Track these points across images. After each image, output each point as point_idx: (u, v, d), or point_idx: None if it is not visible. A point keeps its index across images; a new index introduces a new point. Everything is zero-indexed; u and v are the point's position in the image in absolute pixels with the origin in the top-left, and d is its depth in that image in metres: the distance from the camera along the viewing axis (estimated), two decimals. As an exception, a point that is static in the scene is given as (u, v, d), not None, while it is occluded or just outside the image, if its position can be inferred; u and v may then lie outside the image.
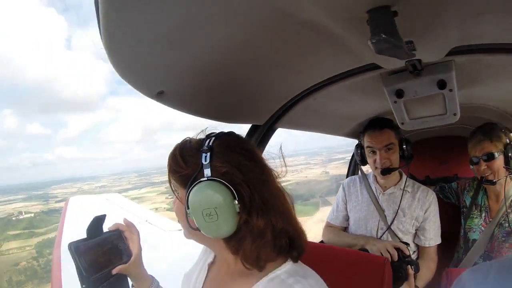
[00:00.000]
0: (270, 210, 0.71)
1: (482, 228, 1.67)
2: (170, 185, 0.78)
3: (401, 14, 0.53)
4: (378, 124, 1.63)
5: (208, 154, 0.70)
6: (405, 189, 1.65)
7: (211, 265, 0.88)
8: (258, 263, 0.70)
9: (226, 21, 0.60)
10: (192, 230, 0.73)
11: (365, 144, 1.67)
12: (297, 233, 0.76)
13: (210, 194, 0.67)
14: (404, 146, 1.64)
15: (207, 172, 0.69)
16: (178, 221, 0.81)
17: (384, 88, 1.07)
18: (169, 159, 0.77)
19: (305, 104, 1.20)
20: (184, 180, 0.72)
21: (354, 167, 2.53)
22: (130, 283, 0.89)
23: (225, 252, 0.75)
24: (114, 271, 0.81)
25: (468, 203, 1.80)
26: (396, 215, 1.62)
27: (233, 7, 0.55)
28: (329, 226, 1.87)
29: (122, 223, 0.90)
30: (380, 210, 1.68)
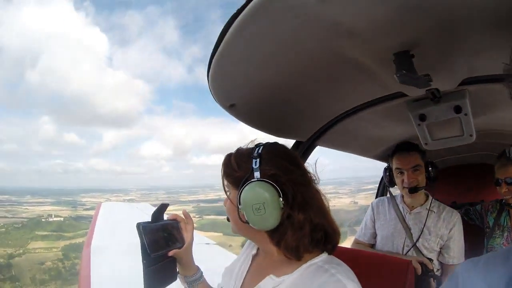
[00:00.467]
0: (309, 207, 0.83)
1: (504, 247, 1.74)
2: (224, 187, 0.91)
3: (417, 56, 0.73)
4: (405, 147, 1.75)
5: (258, 159, 0.84)
6: (431, 209, 1.75)
7: (254, 256, 0.98)
8: (298, 253, 0.80)
9: (290, 54, 0.78)
10: (241, 224, 0.85)
11: (394, 166, 1.79)
12: (332, 229, 0.86)
13: (259, 192, 0.80)
14: (430, 168, 1.77)
15: (257, 174, 0.82)
16: (228, 218, 0.94)
17: (409, 113, 1.21)
18: (223, 164, 0.91)
19: (342, 126, 1.34)
20: (237, 181, 0.85)
21: (382, 189, 2.63)
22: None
23: (268, 244, 0.86)
24: (170, 253, 0.92)
25: (491, 224, 1.87)
26: (421, 233, 1.71)
27: (296, 45, 0.73)
28: (357, 243, 1.98)
29: (181, 215, 1.05)
30: (407, 228, 1.77)
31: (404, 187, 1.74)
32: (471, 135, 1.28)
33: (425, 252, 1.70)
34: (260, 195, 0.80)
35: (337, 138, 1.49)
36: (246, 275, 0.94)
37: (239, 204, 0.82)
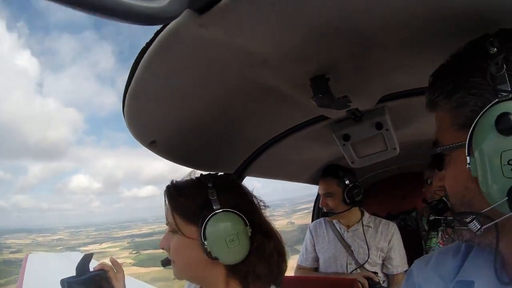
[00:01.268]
0: (273, 234, 0.85)
1: (440, 246, 1.93)
2: (171, 224, 0.83)
3: (334, 79, 0.71)
4: (324, 172, 1.86)
5: (214, 190, 0.81)
6: (367, 224, 1.83)
7: None
8: (273, 280, 0.82)
9: (206, 86, 0.75)
10: (199, 263, 0.80)
11: None
12: (283, 258, 0.87)
13: (231, 222, 0.77)
14: (345, 194, 1.78)
15: (215, 205, 0.78)
16: (165, 262, 0.88)
17: (333, 134, 1.23)
18: (170, 198, 0.85)
19: (268, 154, 1.34)
20: (192, 215, 0.80)
21: (318, 211, 2.65)
22: None
23: (221, 283, 0.82)
24: None
25: (426, 227, 2.07)
26: (362, 249, 1.78)
27: (211, 76, 0.70)
28: (300, 269, 1.98)
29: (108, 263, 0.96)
30: (347, 247, 1.82)
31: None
32: (394, 149, 1.33)
33: (368, 267, 1.75)
34: (232, 226, 0.77)
35: (265, 167, 1.46)
36: None
37: (204, 240, 0.76)
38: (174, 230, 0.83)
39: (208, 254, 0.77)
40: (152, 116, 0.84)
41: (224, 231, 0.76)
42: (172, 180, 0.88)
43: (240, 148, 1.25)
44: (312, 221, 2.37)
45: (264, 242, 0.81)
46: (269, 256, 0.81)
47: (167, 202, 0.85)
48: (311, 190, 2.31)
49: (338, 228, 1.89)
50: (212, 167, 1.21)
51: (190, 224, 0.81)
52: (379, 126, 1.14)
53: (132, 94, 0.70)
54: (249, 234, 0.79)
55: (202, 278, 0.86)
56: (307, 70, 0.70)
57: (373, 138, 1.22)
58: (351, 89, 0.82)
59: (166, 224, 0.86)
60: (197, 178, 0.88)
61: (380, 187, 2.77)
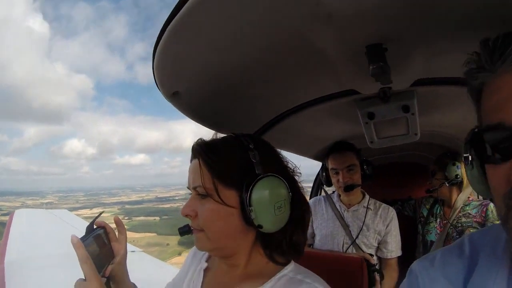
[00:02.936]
0: (304, 204, 0.80)
1: (438, 231, 2.03)
2: (198, 189, 0.75)
3: (389, 50, 0.70)
4: (340, 147, 1.83)
5: (256, 152, 0.74)
6: (367, 206, 1.85)
7: (206, 270, 0.87)
8: (298, 253, 0.78)
9: (252, 39, 0.70)
10: (233, 231, 0.74)
11: (329, 166, 1.87)
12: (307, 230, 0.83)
13: (279, 188, 0.73)
14: (365, 167, 1.89)
15: (258, 169, 0.72)
16: (201, 228, 0.76)
17: (358, 110, 1.20)
18: (206, 160, 0.74)
19: (286, 123, 1.29)
20: (231, 179, 0.73)
21: (317, 189, 2.70)
22: None
23: (243, 255, 0.78)
24: (107, 273, 0.79)
25: (425, 214, 2.18)
26: (360, 230, 1.80)
27: (263, 28, 0.65)
28: None
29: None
30: (345, 226, 1.83)
31: (340, 186, 1.82)
32: (416, 134, 1.34)
33: (364, 248, 1.78)
34: (281, 192, 0.73)
35: (278, 136, 1.41)
36: None
37: (250, 206, 0.70)
38: (207, 194, 0.73)
39: (250, 221, 0.71)
40: (182, 65, 0.79)
41: (273, 197, 0.71)
42: (201, 139, 0.80)
43: (262, 112, 1.21)
44: (311, 198, 2.42)
45: (304, 210, 0.78)
46: (305, 227, 0.79)
47: (201, 162, 0.74)
48: (309, 170, 2.33)
49: (338, 207, 1.91)
50: (230, 128, 1.15)
51: (228, 188, 0.73)
52: (405, 109, 1.14)
53: (168, 37, 0.65)
54: (290, 201, 0.75)
55: (231, 247, 0.78)
56: (367, 36, 0.67)
57: (397, 120, 1.22)
58: (396, 66, 0.80)
59: (193, 188, 0.76)
60: (233, 137, 0.80)
61: (379, 172, 2.73)
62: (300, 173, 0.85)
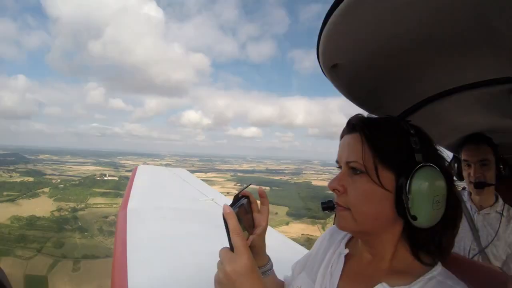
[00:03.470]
0: (459, 202, 0.72)
1: None
2: (354, 164, 0.71)
3: None
4: (475, 139, 1.68)
5: (417, 138, 0.70)
6: (500, 211, 1.65)
7: (348, 257, 0.83)
8: (444, 255, 0.70)
9: (421, 13, 0.68)
10: (383, 218, 0.70)
11: (462, 157, 1.72)
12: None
13: (441, 181, 0.67)
14: (501, 166, 1.68)
15: (418, 157, 0.68)
16: (356, 206, 0.71)
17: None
18: (369, 135, 0.71)
19: (430, 108, 1.22)
20: (391, 160, 0.69)
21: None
22: None
23: (387, 247, 0.73)
24: (249, 242, 0.76)
25: None
26: (490, 237, 1.61)
27: (416, 6, 0.65)
28: None
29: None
30: (475, 230, 1.66)
31: (470, 182, 1.68)
32: None
33: (492, 259, 1.59)
34: (442, 185, 0.68)
35: (419, 122, 1.17)
36: (340, 277, 0.79)
37: (408, 194, 0.66)
38: (363, 171, 0.70)
39: (402, 210, 0.67)
40: (346, 39, 0.80)
41: (434, 189, 0.66)
42: (360, 114, 0.80)
43: (409, 95, 1.18)
44: None
45: (457, 209, 0.71)
46: (455, 228, 0.71)
47: (363, 136, 0.71)
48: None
49: (468, 207, 1.74)
50: (376, 108, 1.17)
51: (387, 169, 0.68)
52: None
53: (340, 11, 0.67)
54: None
55: (376, 235, 0.73)
56: None
57: None
58: None
59: (345, 163, 0.73)
60: (394, 118, 0.77)
61: None
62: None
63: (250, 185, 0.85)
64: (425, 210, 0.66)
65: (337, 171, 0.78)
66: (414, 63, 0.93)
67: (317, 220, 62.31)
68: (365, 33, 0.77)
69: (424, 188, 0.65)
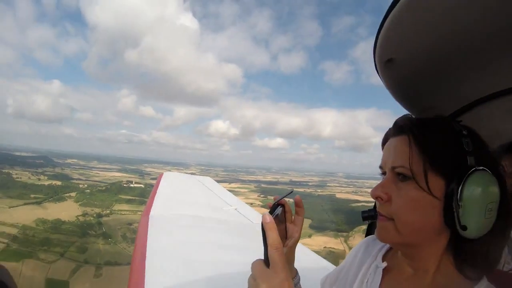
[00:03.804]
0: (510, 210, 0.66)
1: None
2: (401, 169, 0.67)
3: None
4: None
5: (469, 140, 0.65)
6: None
7: (386, 270, 0.79)
8: (489, 268, 0.65)
9: (473, 13, 0.68)
10: (429, 227, 0.65)
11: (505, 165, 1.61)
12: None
13: (495, 187, 0.62)
14: None
15: (471, 161, 0.63)
16: (400, 216, 0.67)
17: None
18: (417, 137, 0.67)
19: (475, 112, 1.18)
20: (441, 165, 0.64)
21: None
22: None
23: (430, 260, 0.69)
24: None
25: None
26: None
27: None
28: None
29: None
30: (510, 242, 1.48)
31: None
32: None
33: None
34: (495, 190, 0.62)
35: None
36: None
37: (459, 201, 0.61)
38: (411, 177, 0.65)
39: (451, 219, 0.62)
40: (404, 34, 0.79)
41: (487, 196, 0.61)
42: (409, 115, 0.76)
43: (453, 98, 1.14)
44: None
45: (509, 218, 0.65)
46: (505, 240, 0.66)
47: (411, 139, 0.67)
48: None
49: None
50: (424, 109, 1.15)
51: (436, 174, 0.64)
52: None
53: (400, 6, 0.68)
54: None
55: (420, 247, 0.69)
56: None
57: None
58: None
59: (391, 168, 0.70)
60: (445, 118, 0.72)
61: None
62: None
63: (291, 192, 0.79)
64: (477, 219, 0.61)
65: (375, 181, 0.74)
66: (467, 63, 0.90)
67: (339, 233, 60.74)
68: (425, 29, 0.76)
69: (477, 195, 0.61)
